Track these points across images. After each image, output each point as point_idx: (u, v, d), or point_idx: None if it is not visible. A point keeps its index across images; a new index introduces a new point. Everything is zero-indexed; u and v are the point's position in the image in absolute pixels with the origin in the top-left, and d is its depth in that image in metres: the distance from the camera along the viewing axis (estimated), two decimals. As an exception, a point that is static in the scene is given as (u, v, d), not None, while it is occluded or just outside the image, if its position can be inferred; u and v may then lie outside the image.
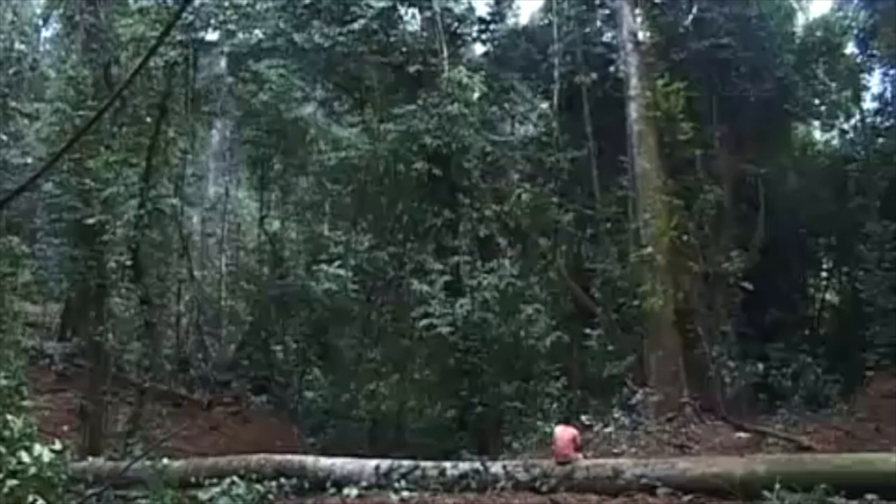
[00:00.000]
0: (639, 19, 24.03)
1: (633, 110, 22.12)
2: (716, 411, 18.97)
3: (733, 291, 21.88)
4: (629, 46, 23.07)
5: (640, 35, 24.07)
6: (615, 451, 16.32)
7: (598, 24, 28.22)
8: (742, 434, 17.45)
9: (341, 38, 23.08)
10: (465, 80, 22.06)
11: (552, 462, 13.50)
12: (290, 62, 24.58)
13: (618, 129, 22.93)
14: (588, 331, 22.58)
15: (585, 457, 13.82)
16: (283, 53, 24.40)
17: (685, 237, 20.41)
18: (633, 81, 22.50)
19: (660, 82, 21.49)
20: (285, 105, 26.55)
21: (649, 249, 20.44)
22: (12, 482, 8.23)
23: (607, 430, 17.88)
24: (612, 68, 26.05)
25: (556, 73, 25.88)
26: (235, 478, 13.40)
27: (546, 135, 26.37)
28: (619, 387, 20.48)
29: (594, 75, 25.64)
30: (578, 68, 25.76)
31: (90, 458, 16.63)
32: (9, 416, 9.49)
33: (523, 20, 30.12)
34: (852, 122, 29.25)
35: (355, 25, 22.82)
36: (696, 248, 20.84)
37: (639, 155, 21.71)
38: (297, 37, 23.78)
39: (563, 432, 13.80)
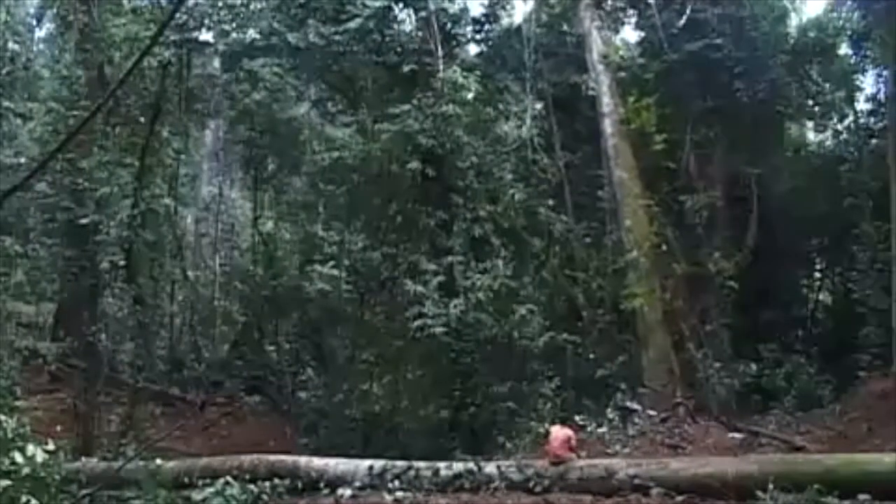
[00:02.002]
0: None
1: (608, 125, 23.22)
2: (707, 411, 19.05)
3: (725, 292, 22.05)
4: (600, 67, 24.20)
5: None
6: (608, 451, 16.35)
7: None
8: (735, 434, 17.53)
9: (337, 38, 23.07)
10: (459, 80, 22.06)
11: (546, 462, 13.51)
12: (284, 62, 24.55)
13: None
14: (580, 331, 22.69)
15: (579, 457, 13.82)
16: (277, 53, 24.36)
17: (665, 243, 21.12)
18: (606, 99, 23.68)
19: (631, 98, 22.38)
20: (279, 105, 26.56)
21: (634, 254, 21.01)
22: (5, 483, 8.22)
23: (601, 430, 17.93)
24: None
25: (528, 84, 26.25)
26: (229, 478, 13.38)
27: (539, 136, 26.48)
28: (612, 387, 20.58)
29: (586, 76, 25.81)
30: (567, 70, 26.10)
31: (83, 459, 16.59)
32: (2, 417, 9.50)
33: (517, 20, 30.18)
34: (846, 122, 29.26)
35: (351, 24, 22.80)
36: (679, 252, 21.32)
37: (616, 166, 22.61)
38: (290, 36, 23.74)
39: (559, 433, 13.82)
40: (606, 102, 23.72)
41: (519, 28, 28.71)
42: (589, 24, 25.46)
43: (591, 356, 22.04)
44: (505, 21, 29.40)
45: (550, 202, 24.65)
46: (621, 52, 28.31)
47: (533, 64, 26.40)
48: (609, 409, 19.11)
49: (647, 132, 21.88)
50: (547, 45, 27.72)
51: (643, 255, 21.11)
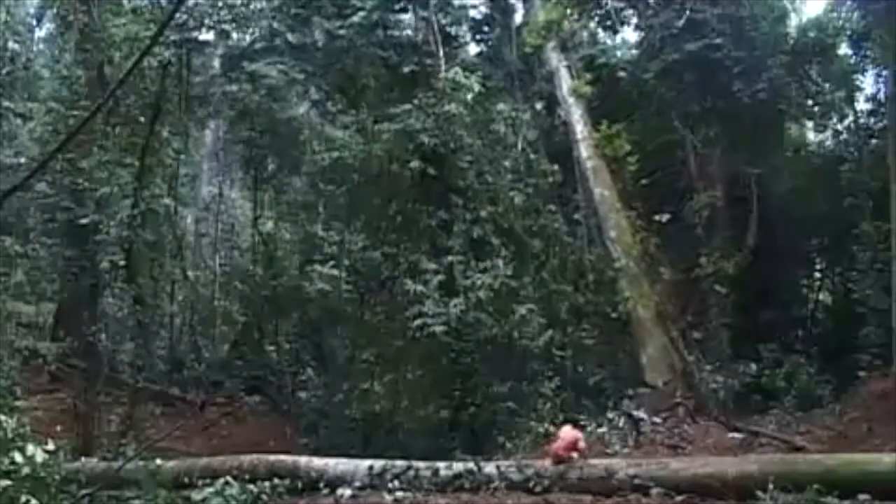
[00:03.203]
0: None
1: (583, 150, 24.43)
2: (706, 411, 19.07)
3: (723, 293, 22.17)
4: (571, 100, 25.73)
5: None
6: (608, 451, 16.35)
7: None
8: (735, 434, 17.53)
9: (341, 32, 23.11)
10: (461, 80, 22.07)
11: (546, 462, 13.49)
12: (285, 61, 24.54)
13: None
14: (580, 332, 22.76)
15: (584, 457, 13.74)
16: (278, 53, 24.35)
17: (649, 254, 22.09)
18: (579, 127, 25.14)
19: (602, 126, 23.90)
20: (279, 105, 26.56)
21: (623, 261, 21.89)
22: (5, 483, 8.22)
23: (601, 430, 17.93)
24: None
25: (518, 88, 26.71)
26: (229, 478, 13.39)
27: (539, 135, 26.56)
28: (612, 388, 20.60)
29: (588, 76, 25.98)
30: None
31: (83, 459, 16.59)
32: (2, 417, 9.51)
33: (517, 20, 30.21)
34: (846, 122, 29.20)
35: (355, 18, 22.86)
36: (666, 259, 22.30)
37: (596, 186, 23.71)
38: (290, 36, 23.74)
39: (567, 433, 13.76)
40: (580, 130, 25.04)
41: (519, 28, 28.90)
42: (556, 63, 27.06)
43: (590, 356, 22.09)
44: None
45: (552, 207, 24.75)
46: (618, 52, 28.61)
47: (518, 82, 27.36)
48: (610, 412, 19.09)
49: (619, 157, 23.45)
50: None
51: (631, 261, 21.97)
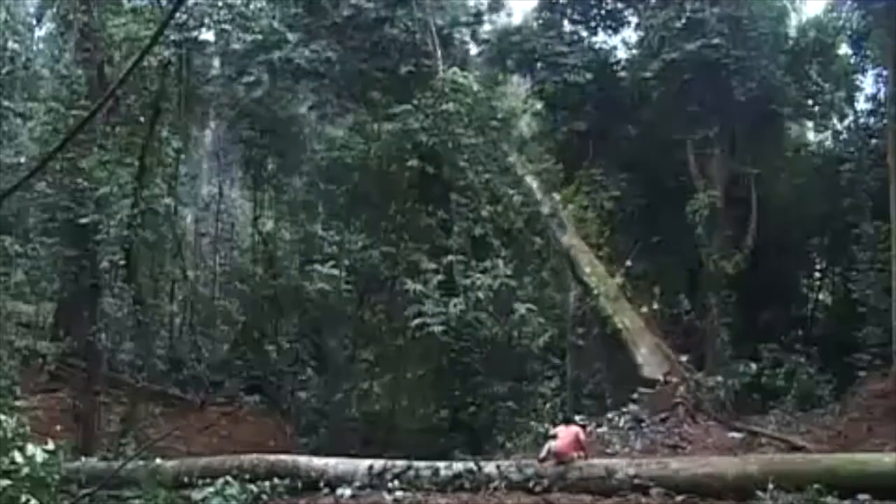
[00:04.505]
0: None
1: (546, 210, 25.49)
2: (705, 410, 19.07)
3: (724, 293, 22.25)
4: (528, 178, 26.78)
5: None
6: (608, 451, 16.32)
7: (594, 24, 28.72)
8: (735, 434, 17.51)
9: (368, 6, 23.09)
10: (459, 80, 22.07)
11: (547, 462, 13.44)
12: (285, 61, 24.52)
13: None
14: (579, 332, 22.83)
15: (587, 456, 13.71)
16: (281, 50, 24.33)
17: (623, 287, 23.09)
18: (539, 195, 26.40)
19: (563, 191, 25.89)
20: (279, 105, 26.51)
21: (602, 288, 22.58)
22: (5, 482, 8.20)
23: (600, 430, 17.90)
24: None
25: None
26: (229, 478, 13.38)
27: (540, 134, 26.57)
28: (611, 387, 20.62)
29: (588, 75, 25.97)
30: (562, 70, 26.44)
31: (83, 458, 16.60)
32: (2, 416, 9.47)
33: (516, 20, 30.25)
34: (846, 122, 29.25)
35: None
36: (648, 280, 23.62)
37: (563, 236, 24.96)
38: (290, 36, 23.73)
39: (568, 432, 13.69)
40: (540, 197, 26.10)
41: (520, 27, 28.92)
42: (512, 158, 27.56)
43: (589, 357, 22.19)
44: (504, 21, 29.52)
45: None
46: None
47: None
48: (610, 412, 19.07)
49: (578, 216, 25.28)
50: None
51: (610, 286, 22.66)
